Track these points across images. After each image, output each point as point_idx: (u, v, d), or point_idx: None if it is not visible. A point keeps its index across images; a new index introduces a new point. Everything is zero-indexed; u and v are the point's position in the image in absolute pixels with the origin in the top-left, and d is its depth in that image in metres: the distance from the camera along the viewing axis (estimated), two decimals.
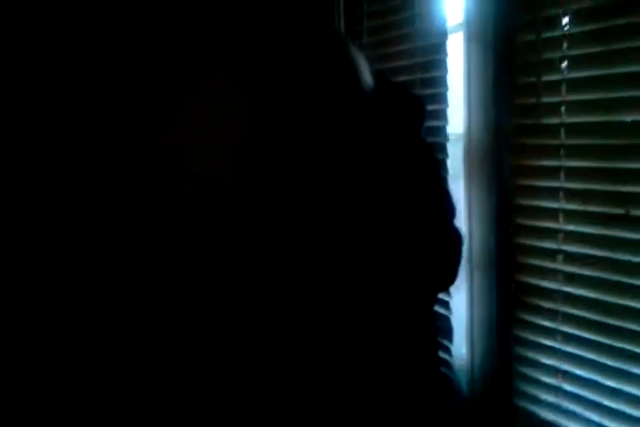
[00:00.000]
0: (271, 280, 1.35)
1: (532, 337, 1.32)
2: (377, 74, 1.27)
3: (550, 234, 1.23)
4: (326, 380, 1.27)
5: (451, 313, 1.47)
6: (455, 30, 1.49)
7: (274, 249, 1.34)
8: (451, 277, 1.24)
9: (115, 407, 1.81)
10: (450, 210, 1.22)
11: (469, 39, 1.45)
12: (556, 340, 1.25)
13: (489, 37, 1.37)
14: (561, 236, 1.20)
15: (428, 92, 1.48)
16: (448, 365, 1.47)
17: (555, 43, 1.19)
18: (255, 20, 1.79)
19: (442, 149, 1.47)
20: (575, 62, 1.17)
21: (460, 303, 1.53)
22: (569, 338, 1.23)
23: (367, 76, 1.22)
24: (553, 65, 1.19)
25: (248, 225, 1.44)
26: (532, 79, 1.24)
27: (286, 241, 1.30)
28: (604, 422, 1.18)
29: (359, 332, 1.24)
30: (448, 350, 1.51)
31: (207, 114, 1.82)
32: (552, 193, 1.21)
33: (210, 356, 1.84)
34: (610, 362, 1.15)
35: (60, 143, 1.74)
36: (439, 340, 1.37)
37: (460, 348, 1.55)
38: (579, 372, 1.22)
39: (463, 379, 1.54)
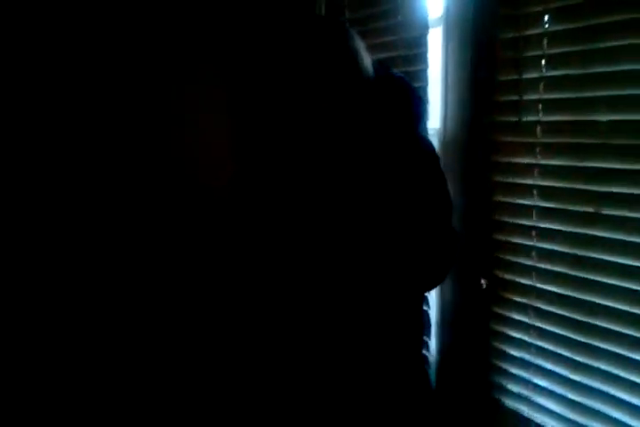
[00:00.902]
0: (270, 277, 1.35)
1: (505, 331, 1.34)
2: (381, 66, 1.25)
3: (525, 230, 1.24)
4: (321, 375, 1.27)
5: (429, 308, 1.48)
6: (435, 24, 1.48)
7: (271, 249, 1.34)
8: (443, 275, 1.25)
9: (115, 406, 1.80)
10: (446, 209, 1.21)
11: (448, 33, 1.44)
12: (529, 334, 1.27)
13: (467, 33, 1.37)
14: (535, 232, 1.21)
15: None
16: (426, 359, 1.48)
17: (535, 40, 1.19)
18: (251, 17, 1.77)
19: None
20: (554, 61, 1.17)
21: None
22: (542, 333, 1.25)
23: (368, 66, 1.20)
24: (532, 63, 1.20)
25: (246, 225, 1.45)
26: (512, 77, 1.25)
27: (284, 240, 1.29)
28: (570, 415, 1.20)
29: (353, 327, 1.24)
30: (425, 344, 1.52)
31: (203, 114, 1.81)
32: (527, 190, 1.22)
33: (210, 354, 1.84)
34: (578, 357, 1.18)
35: (65, 145, 1.73)
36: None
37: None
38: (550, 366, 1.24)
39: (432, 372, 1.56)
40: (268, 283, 1.35)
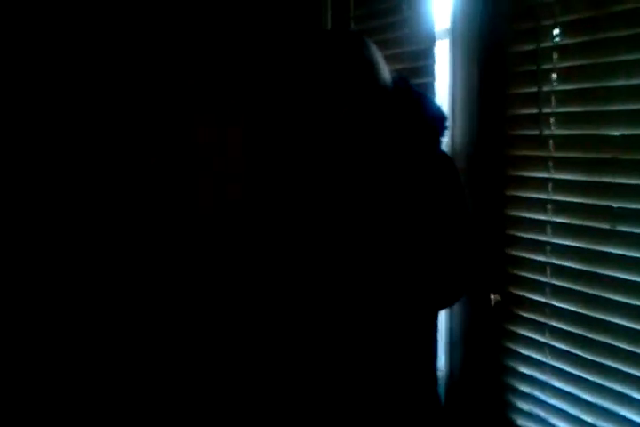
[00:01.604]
0: (279, 286, 1.33)
1: (518, 349, 1.31)
2: (400, 79, 1.23)
3: (539, 246, 1.21)
4: (328, 387, 1.25)
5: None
6: (442, 37, 1.47)
7: (283, 259, 1.33)
8: (462, 292, 1.25)
9: (114, 406, 1.80)
10: (467, 225, 1.19)
11: (455, 46, 1.43)
12: (543, 352, 1.25)
13: (475, 46, 1.36)
14: (549, 248, 1.19)
15: None
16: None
17: (545, 54, 1.18)
18: (263, 31, 1.79)
19: None
20: (564, 74, 1.16)
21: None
22: (556, 351, 1.22)
23: (385, 75, 1.19)
24: (543, 76, 1.19)
25: (255, 233, 1.43)
26: (522, 90, 1.24)
27: (296, 251, 1.28)
28: None
29: (364, 341, 1.21)
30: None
31: (218, 127, 1.84)
32: (541, 204, 1.20)
33: (211, 355, 1.84)
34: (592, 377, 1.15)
35: (79, 148, 1.77)
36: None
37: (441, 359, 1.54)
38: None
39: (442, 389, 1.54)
40: (277, 292, 1.34)
